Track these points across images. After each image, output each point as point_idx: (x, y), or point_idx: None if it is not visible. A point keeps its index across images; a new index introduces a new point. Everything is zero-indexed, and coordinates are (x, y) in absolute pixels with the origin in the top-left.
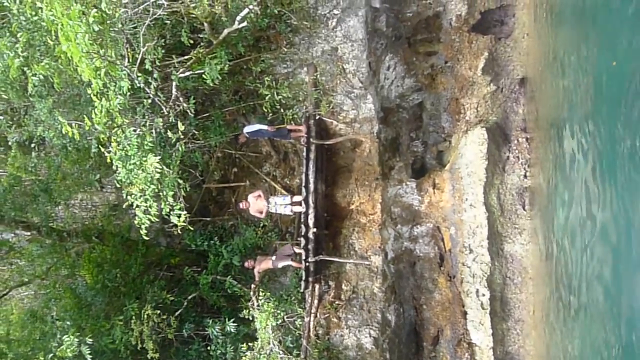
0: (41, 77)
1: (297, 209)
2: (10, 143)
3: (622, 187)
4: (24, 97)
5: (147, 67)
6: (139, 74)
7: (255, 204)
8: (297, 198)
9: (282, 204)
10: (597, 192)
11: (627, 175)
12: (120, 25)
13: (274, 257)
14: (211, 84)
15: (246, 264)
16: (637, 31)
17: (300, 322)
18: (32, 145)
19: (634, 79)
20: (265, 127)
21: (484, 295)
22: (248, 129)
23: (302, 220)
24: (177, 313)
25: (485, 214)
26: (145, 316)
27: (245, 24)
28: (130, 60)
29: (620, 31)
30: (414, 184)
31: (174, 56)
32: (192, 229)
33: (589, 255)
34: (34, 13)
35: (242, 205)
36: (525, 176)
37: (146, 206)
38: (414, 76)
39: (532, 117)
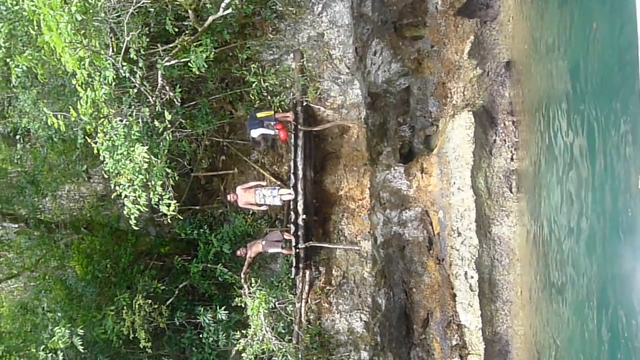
0: (24, 67)
1: (286, 197)
2: None
3: (607, 169)
4: (7, 88)
5: (132, 56)
6: (124, 64)
7: (244, 195)
8: (284, 191)
9: (270, 196)
10: (583, 174)
11: (613, 157)
12: (103, 14)
13: (263, 242)
14: (197, 72)
15: (238, 253)
16: (621, 11)
17: (292, 308)
18: (17, 136)
19: (620, 60)
20: (271, 132)
21: (472, 277)
22: (254, 133)
23: (291, 207)
24: (168, 302)
25: (472, 197)
26: (137, 306)
27: (230, 10)
28: (115, 49)
29: (604, 11)
30: (402, 169)
31: (158, 44)
32: (181, 217)
33: (574, 237)
34: (14, 2)
35: (230, 197)
36: (512, 159)
37: (135, 196)
38: (401, 61)
39: (518, 100)
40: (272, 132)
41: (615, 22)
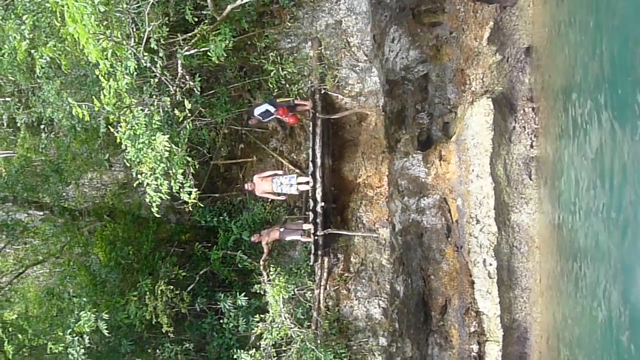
0: (48, 58)
1: (303, 187)
2: (19, 125)
3: (631, 156)
4: (31, 79)
5: (152, 46)
6: (145, 54)
7: (261, 184)
8: (302, 179)
9: (287, 184)
10: (605, 161)
11: (637, 143)
12: (124, 5)
13: (282, 229)
14: (216, 61)
15: (252, 239)
16: None
17: (311, 295)
18: (42, 126)
19: None
20: (272, 108)
21: (491, 264)
22: (257, 110)
23: (310, 194)
24: (189, 288)
25: (491, 185)
26: (159, 291)
27: None
28: (136, 40)
29: None
30: (420, 156)
31: (178, 34)
32: (201, 205)
33: (595, 224)
34: None
35: (247, 186)
36: (531, 146)
37: (157, 184)
38: (419, 48)
39: (538, 86)
40: (272, 108)
41: None
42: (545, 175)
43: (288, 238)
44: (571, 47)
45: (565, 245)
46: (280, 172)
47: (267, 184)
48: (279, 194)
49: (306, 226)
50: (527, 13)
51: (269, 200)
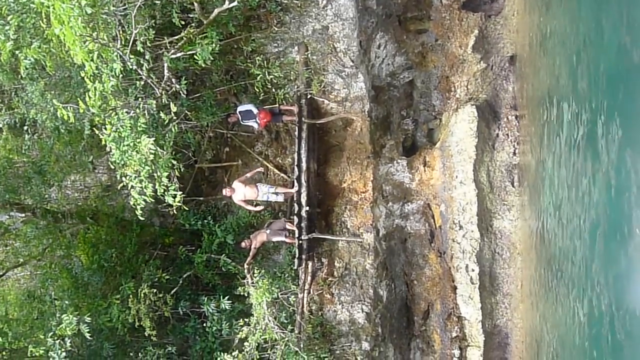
0: (32, 59)
1: (288, 193)
2: (1, 126)
3: (612, 165)
4: (15, 80)
5: (138, 48)
6: (131, 56)
7: (243, 190)
8: (281, 189)
9: (271, 193)
10: (586, 169)
11: (617, 152)
12: (111, 7)
13: (267, 231)
14: (202, 64)
15: (242, 245)
16: (628, 4)
17: (294, 299)
18: (25, 127)
19: (626, 53)
20: (255, 109)
21: (473, 270)
22: (241, 107)
23: (294, 199)
24: (172, 291)
25: (475, 191)
26: (142, 295)
27: (235, 3)
28: (123, 42)
29: (609, 6)
30: (404, 162)
31: (165, 37)
32: (185, 208)
33: (576, 231)
34: None
35: (225, 192)
36: (514, 153)
37: (141, 187)
38: (405, 54)
39: (521, 94)
40: (256, 110)
41: (622, 14)
42: (527, 182)
43: (274, 239)
44: (554, 56)
45: (546, 251)
46: (261, 169)
47: (252, 191)
48: (258, 204)
49: (289, 226)
50: (511, 22)
51: (254, 204)
